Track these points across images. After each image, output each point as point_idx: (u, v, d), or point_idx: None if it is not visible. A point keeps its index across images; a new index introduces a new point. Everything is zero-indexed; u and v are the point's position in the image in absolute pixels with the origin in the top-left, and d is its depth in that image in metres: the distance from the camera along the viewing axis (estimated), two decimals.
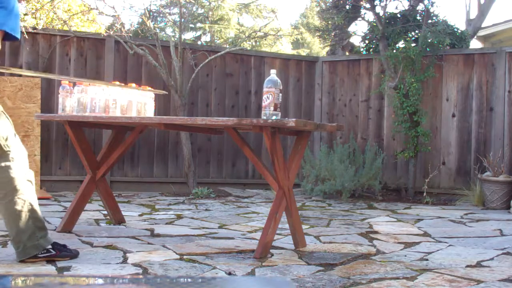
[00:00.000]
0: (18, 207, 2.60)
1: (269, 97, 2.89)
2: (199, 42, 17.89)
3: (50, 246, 2.68)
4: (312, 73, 7.25)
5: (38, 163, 5.76)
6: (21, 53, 6.04)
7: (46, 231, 2.71)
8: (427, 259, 2.96)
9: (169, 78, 6.17)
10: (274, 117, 2.85)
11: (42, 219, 2.72)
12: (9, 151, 2.57)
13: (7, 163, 2.57)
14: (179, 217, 4.41)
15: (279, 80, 2.95)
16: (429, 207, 5.57)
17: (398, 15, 6.76)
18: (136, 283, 0.74)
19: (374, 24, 6.67)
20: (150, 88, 3.70)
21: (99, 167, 3.69)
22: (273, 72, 2.98)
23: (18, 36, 2.51)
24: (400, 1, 7.69)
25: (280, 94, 2.94)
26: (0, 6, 2.42)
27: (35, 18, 7.31)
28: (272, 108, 2.89)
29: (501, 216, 4.92)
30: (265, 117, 2.87)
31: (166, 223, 4.04)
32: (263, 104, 2.91)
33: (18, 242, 2.62)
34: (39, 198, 5.14)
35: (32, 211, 2.65)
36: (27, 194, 2.64)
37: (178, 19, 6.97)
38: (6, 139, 2.56)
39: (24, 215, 2.61)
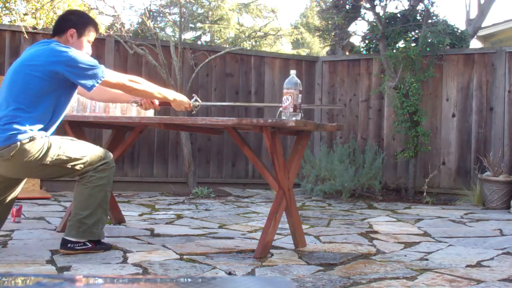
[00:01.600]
0: (100, 195, 2.86)
1: (289, 99, 2.88)
2: (199, 42, 17.90)
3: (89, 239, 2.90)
4: (312, 73, 7.25)
5: None
6: (21, 53, 6.03)
7: (105, 225, 2.95)
8: (427, 259, 2.96)
9: (169, 78, 6.17)
10: (294, 119, 2.83)
11: (108, 214, 3.00)
12: (89, 168, 2.86)
13: (97, 175, 2.89)
14: (179, 217, 4.41)
15: (298, 81, 2.92)
16: (429, 207, 5.57)
17: (398, 15, 6.76)
18: (136, 283, 0.74)
19: (374, 24, 6.67)
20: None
21: None
22: (292, 72, 2.95)
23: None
24: (400, 1, 7.71)
25: (300, 95, 2.91)
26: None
27: (35, 18, 7.32)
28: (292, 109, 2.88)
29: (501, 216, 4.92)
30: (285, 117, 2.86)
31: (166, 223, 4.04)
32: (283, 105, 2.90)
33: (84, 223, 2.82)
34: (39, 198, 5.16)
35: (107, 202, 2.93)
36: (109, 187, 2.94)
37: (178, 19, 6.98)
38: (83, 162, 2.83)
39: (100, 203, 2.86)
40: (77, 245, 2.82)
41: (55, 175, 2.88)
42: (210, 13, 18.14)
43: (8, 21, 8.91)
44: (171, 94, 3.07)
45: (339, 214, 4.86)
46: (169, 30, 18.65)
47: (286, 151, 6.48)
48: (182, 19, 6.95)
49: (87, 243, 2.84)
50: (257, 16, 19.17)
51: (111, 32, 6.19)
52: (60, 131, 6.57)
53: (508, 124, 6.08)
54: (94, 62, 2.72)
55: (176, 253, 2.94)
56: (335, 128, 3.23)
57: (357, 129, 6.95)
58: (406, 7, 6.80)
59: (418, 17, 6.66)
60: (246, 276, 2.41)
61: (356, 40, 8.15)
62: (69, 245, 2.81)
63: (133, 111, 3.45)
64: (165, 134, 6.54)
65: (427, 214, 4.93)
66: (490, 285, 2.43)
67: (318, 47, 21.29)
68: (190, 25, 18.09)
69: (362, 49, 7.36)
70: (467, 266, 2.80)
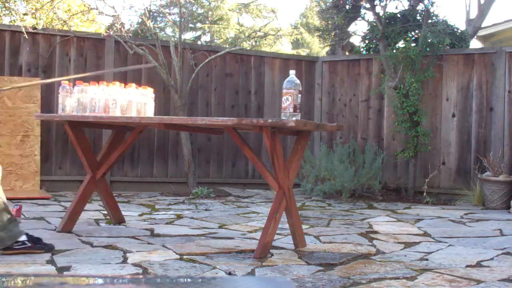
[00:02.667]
0: None
1: (289, 99, 2.88)
2: (199, 42, 17.89)
3: (25, 238, 2.83)
4: (312, 73, 7.25)
5: (38, 163, 5.76)
6: (21, 53, 6.04)
7: (16, 222, 2.88)
8: (427, 259, 2.96)
9: (169, 78, 6.17)
10: (294, 119, 2.82)
11: (11, 212, 2.90)
12: None
13: None
14: (179, 217, 4.41)
15: (298, 81, 2.93)
16: (429, 207, 5.57)
17: (398, 15, 6.76)
18: (136, 283, 0.74)
19: (374, 24, 6.67)
20: None
21: (99, 167, 3.69)
22: (292, 72, 2.95)
23: None
24: (400, 1, 7.70)
25: (299, 95, 2.92)
26: None
27: (35, 18, 7.31)
28: (291, 109, 2.88)
29: (501, 216, 4.92)
30: (284, 118, 2.86)
31: (166, 223, 4.04)
32: (283, 105, 2.90)
33: None
34: (39, 198, 5.17)
35: (3, 204, 2.81)
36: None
37: (178, 19, 6.97)
38: None
39: None
40: (15, 244, 2.80)
41: None
42: (210, 13, 18.13)
43: (8, 21, 8.91)
44: None
45: (339, 214, 4.86)
46: (169, 30, 18.65)
47: (286, 151, 6.48)
48: (182, 19, 6.94)
49: (26, 242, 2.82)
50: (257, 16, 19.17)
51: (111, 32, 6.19)
52: (60, 131, 6.57)
53: (508, 124, 6.08)
54: None
55: (176, 253, 2.93)
56: (335, 128, 3.23)
57: (357, 129, 6.95)
58: (406, 7, 6.80)
59: (418, 17, 6.66)
60: (246, 276, 2.41)
61: (356, 40, 8.15)
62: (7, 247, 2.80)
63: (133, 111, 3.44)
64: (165, 134, 6.54)
65: (427, 214, 4.93)
66: (490, 285, 2.43)
67: (318, 47, 21.29)
68: (190, 25, 18.09)
69: (362, 49, 7.36)
70: (467, 266, 2.80)
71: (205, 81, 6.82)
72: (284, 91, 2.91)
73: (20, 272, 2.50)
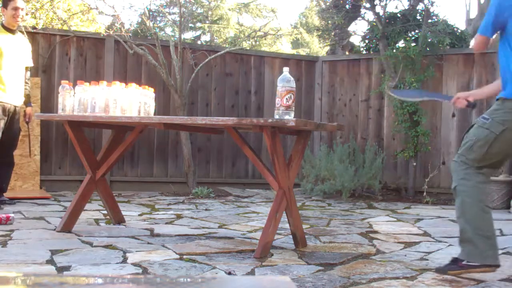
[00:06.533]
0: None
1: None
2: (198, 42, 17.90)
3: None
4: (312, 73, 7.25)
5: (38, 163, 5.76)
6: None
7: None
8: (427, 259, 2.96)
9: (169, 78, 6.16)
10: (286, 116, 2.82)
11: None
12: None
13: None
14: (179, 216, 4.40)
15: (292, 78, 2.92)
16: (429, 206, 5.57)
17: (398, 15, 6.76)
18: (136, 283, 0.74)
19: (374, 23, 6.67)
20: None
21: (99, 167, 3.69)
22: (286, 70, 2.93)
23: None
24: (400, 1, 7.71)
25: (292, 94, 2.90)
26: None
27: (35, 17, 7.31)
28: (284, 108, 2.86)
29: (501, 216, 4.92)
30: (277, 116, 2.85)
31: (166, 223, 4.04)
32: (277, 104, 2.88)
33: None
34: (39, 198, 5.16)
35: None
36: None
37: (178, 19, 6.97)
38: None
39: None
40: None
41: None
42: (210, 12, 18.14)
43: None
44: None
45: (339, 214, 4.86)
46: (168, 30, 18.65)
47: (286, 151, 6.48)
48: (182, 19, 6.94)
49: None
50: (257, 16, 19.17)
51: (111, 32, 6.19)
52: (60, 131, 6.56)
53: None
54: None
55: (176, 253, 2.93)
56: (335, 128, 3.23)
57: (357, 129, 6.95)
58: (406, 7, 6.80)
59: (418, 17, 6.66)
60: (246, 276, 2.41)
61: (356, 40, 8.15)
62: None
63: (133, 111, 3.44)
64: (165, 134, 6.54)
65: (427, 214, 4.93)
66: (490, 285, 2.42)
67: (318, 47, 21.30)
68: (190, 25, 18.08)
69: (362, 49, 7.36)
70: None
71: (205, 81, 6.82)
72: (279, 88, 2.89)
73: (20, 272, 2.49)
